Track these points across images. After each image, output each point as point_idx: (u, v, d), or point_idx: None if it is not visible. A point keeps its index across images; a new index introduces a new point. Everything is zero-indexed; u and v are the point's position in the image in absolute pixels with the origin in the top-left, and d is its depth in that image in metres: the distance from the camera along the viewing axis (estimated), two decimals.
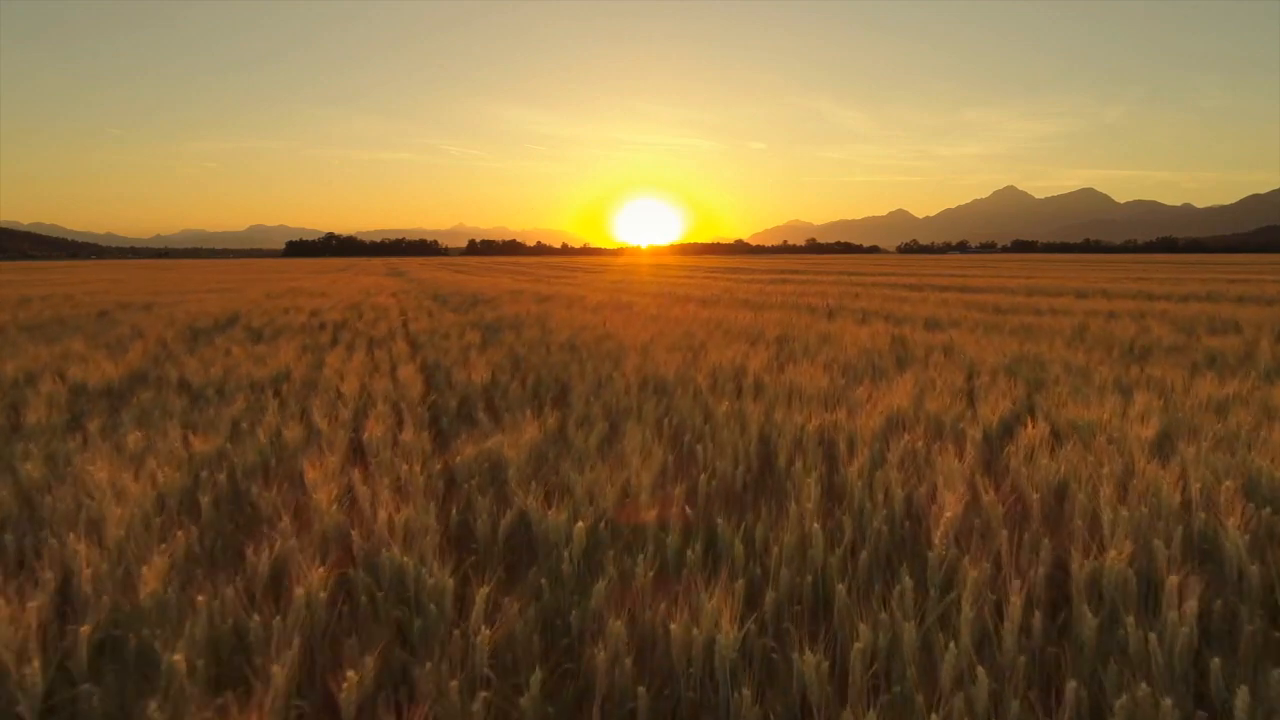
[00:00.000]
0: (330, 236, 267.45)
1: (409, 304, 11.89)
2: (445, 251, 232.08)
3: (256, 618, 1.56)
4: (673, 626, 1.46)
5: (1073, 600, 1.58)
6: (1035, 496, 1.96)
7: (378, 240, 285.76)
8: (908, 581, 1.58)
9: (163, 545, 1.90)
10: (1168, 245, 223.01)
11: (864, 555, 1.86)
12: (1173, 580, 1.46)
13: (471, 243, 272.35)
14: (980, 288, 16.00)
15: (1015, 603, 1.44)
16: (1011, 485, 2.09)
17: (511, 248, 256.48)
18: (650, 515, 2.22)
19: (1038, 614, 1.53)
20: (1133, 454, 2.30)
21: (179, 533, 2.03)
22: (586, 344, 5.75)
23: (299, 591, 1.61)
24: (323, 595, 1.63)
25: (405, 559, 1.82)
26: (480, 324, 8.26)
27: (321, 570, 1.67)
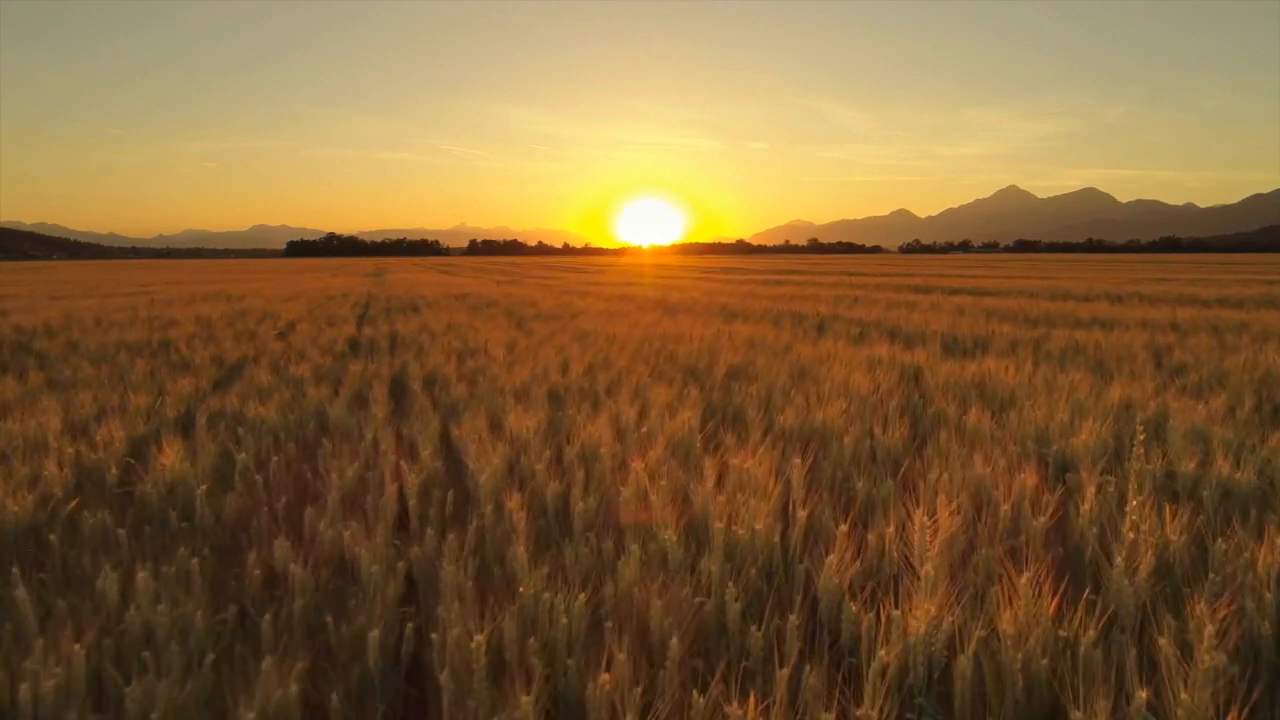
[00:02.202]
0: (331, 237, 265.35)
1: (325, 312, 10.02)
2: (446, 251, 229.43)
3: None
4: None
5: None
6: None
7: (379, 240, 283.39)
8: None
9: None
10: (1171, 245, 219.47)
11: None
12: None
13: (472, 243, 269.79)
14: (995, 290, 14.06)
15: None
16: None
17: (512, 248, 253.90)
18: None
19: None
20: None
21: None
22: (447, 381, 3.89)
23: None
24: None
25: None
26: (366, 342, 6.42)
27: None
